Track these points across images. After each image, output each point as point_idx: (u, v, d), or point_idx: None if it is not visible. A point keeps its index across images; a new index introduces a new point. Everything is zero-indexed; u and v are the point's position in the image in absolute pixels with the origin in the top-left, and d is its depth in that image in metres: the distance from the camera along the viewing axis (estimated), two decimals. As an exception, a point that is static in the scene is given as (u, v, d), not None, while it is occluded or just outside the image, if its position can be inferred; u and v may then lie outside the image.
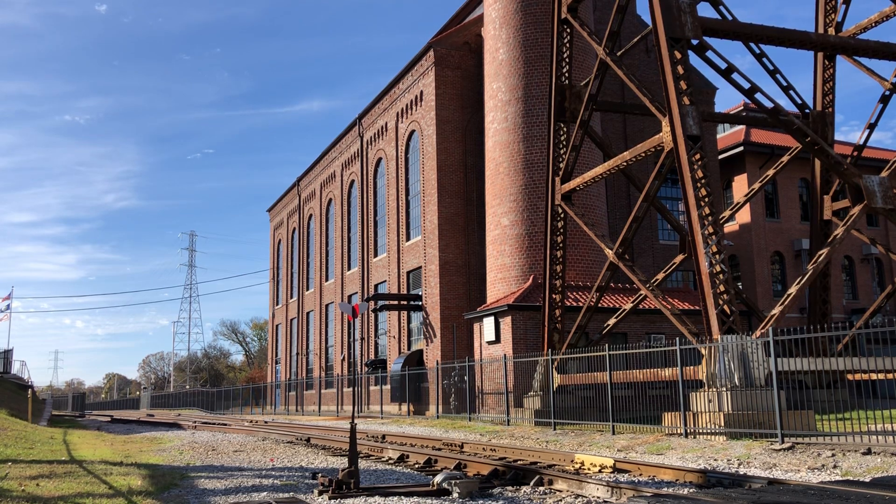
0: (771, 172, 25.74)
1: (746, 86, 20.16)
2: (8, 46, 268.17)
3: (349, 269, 50.60)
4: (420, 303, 39.17)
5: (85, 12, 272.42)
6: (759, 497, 8.57)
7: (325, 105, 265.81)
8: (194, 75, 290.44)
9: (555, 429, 22.12)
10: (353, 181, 51.02)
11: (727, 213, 26.43)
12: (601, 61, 23.07)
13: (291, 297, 63.81)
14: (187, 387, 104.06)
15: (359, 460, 11.81)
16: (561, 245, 25.34)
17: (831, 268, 28.07)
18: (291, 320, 63.47)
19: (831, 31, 26.27)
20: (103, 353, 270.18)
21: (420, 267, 39.62)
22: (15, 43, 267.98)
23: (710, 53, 19.95)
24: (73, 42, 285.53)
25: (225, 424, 31.99)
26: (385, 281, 44.13)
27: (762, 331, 18.14)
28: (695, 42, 19.97)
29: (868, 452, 12.68)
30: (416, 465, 14.11)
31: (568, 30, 25.58)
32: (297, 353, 61.02)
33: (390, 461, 15.14)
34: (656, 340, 29.30)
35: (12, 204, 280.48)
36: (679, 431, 17.70)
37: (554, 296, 25.31)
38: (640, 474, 11.96)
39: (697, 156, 18.95)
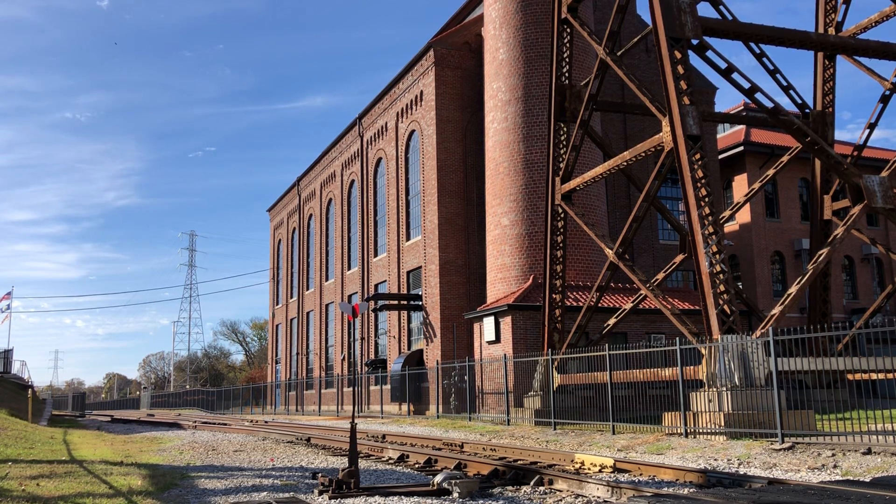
0: (771, 172, 25.75)
1: (746, 86, 20.16)
2: (8, 41, 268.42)
3: (349, 268, 50.61)
4: (420, 303, 39.17)
5: (86, 6, 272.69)
6: (760, 497, 8.57)
7: (328, 101, 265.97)
8: (196, 71, 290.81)
9: (555, 428, 22.13)
10: (353, 181, 51.03)
11: (727, 213, 26.44)
12: (601, 61, 23.07)
13: (291, 297, 63.82)
14: (187, 387, 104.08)
15: (359, 460, 11.81)
16: (561, 245, 25.34)
17: (831, 268, 28.08)
18: (291, 320, 63.48)
19: (831, 30, 26.28)
20: (103, 353, 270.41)
21: (420, 267, 39.62)
22: (15, 37, 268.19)
23: (710, 53, 19.96)
24: (74, 36, 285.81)
25: (225, 424, 32.01)
26: (385, 281, 44.14)
27: (762, 330, 18.14)
28: (695, 42, 19.97)
29: (868, 452, 12.68)
30: (417, 465, 14.10)
31: (568, 30, 25.58)
32: (297, 353, 61.03)
33: (390, 461, 15.14)
34: (656, 340, 29.30)
35: (12, 202, 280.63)
36: (679, 431, 17.70)
37: (554, 295, 25.32)
38: (641, 474, 11.96)
39: (697, 156, 18.95)
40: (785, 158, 25.59)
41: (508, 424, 25.22)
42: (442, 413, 32.88)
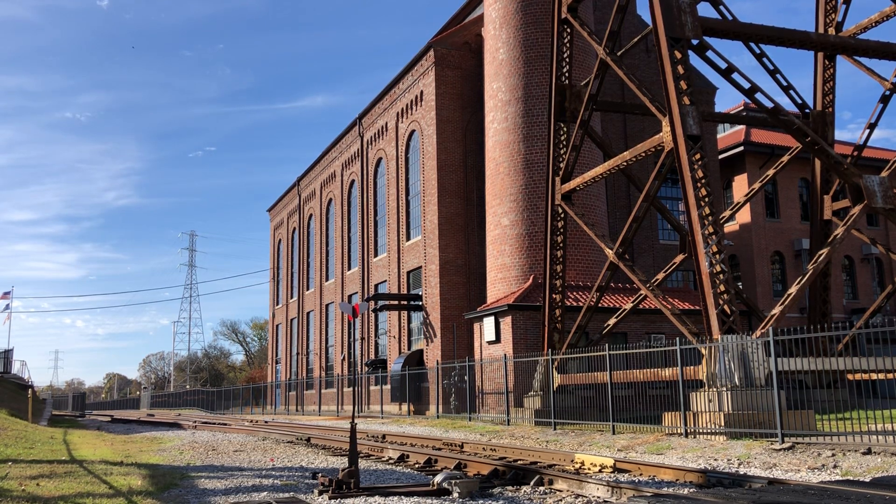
0: (771, 172, 25.75)
1: (746, 86, 20.16)
2: (8, 41, 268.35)
3: (349, 268, 50.61)
4: (420, 303, 39.17)
5: (86, 6, 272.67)
6: (760, 497, 8.57)
7: (329, 100, 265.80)
8: (196, 71, 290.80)
9: (555, 428, 22.13)
10: (353, 181, 51.04)
11: (727, 213, 26.44)
12: (601, 61, 23.07)
13: (291, 297, 63.83)
14: (187, 387, 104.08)
15: (359, 460, 11.81)
16: (561, 245, 25.34)
17: (831, 268, 28.07)
18: (291, 320, 63.48)
19: (831, 30, 26.28)
20: (103, 353, 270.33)
21: (420, 267, 39.62)
22: (15, 37, 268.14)
23: (710, 53, 19.96)
24: (74, 36, 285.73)
25: (225, 424, 32.01)
26: (385, 281, 44.14)
27: (762, 330, 18.14)
28: (695, 42, 19.97)
29: (868, 452, 12.68)
30: (417, 465, 14.11)
31: (568, 30, 25.58)
32: (298, 353, 61.03)
33: (390, 461, 15.14)
34: (656, 340, 29.30)
35: (12, 202, 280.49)
36: (679, 431, 17.70)
37: (554, 295, 25.32)
38: (641, 474, 11.96)
39: (697, 156, 18.95)
40: (785, 158, 25.59)
41: (508, 424, 25.22)
42: (442, 413, 32.88)
